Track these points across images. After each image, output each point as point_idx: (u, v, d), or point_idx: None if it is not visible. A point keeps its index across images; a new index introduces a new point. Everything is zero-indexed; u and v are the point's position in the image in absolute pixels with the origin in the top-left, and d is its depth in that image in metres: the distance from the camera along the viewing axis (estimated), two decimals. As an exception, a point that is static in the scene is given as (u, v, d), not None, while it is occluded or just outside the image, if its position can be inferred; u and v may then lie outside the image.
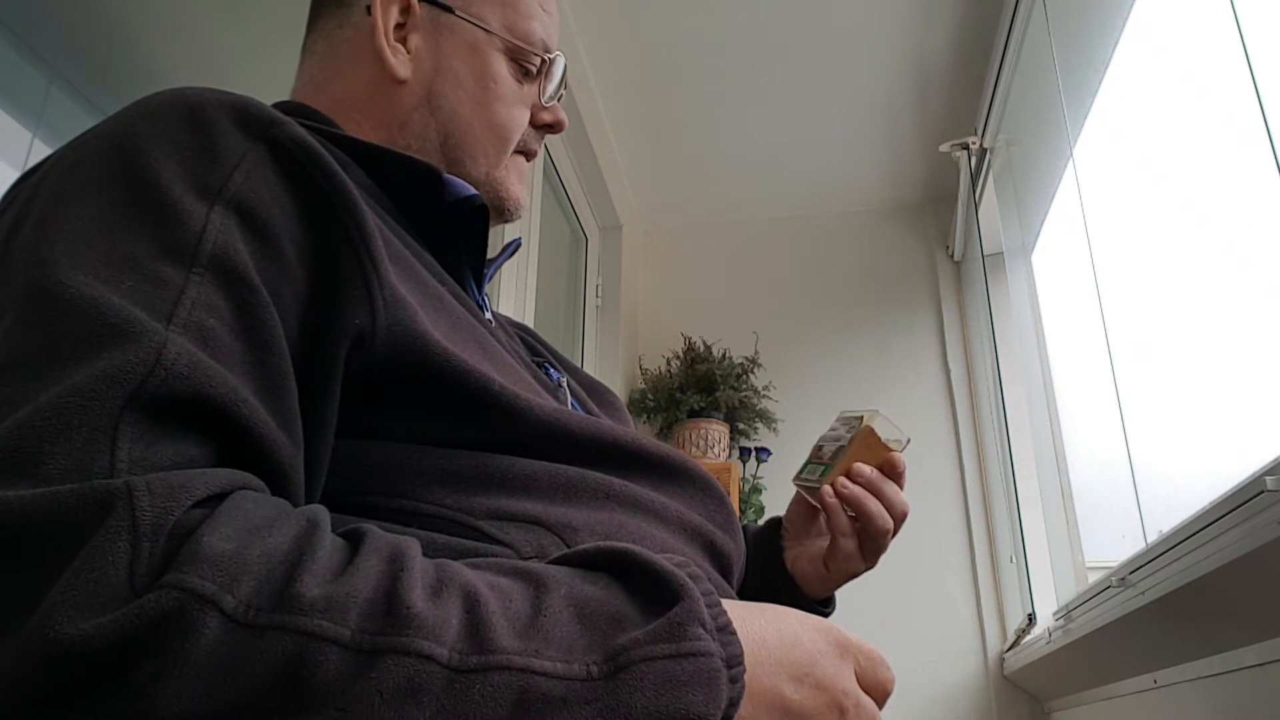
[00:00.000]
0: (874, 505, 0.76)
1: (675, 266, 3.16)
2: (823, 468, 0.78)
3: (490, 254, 0.76)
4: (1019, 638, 2.27)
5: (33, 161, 1.29)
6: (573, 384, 0.79)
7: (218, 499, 0.39)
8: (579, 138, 2.51)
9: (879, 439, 0.77)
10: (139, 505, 0.35)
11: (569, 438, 0.60)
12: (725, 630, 0.43)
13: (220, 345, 0.44)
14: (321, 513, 0.43)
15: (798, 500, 0.85)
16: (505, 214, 0.77)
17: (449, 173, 0.70)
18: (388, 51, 0.72)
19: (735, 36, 2.36)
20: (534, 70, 0.77)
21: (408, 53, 0.73)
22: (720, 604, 0.44)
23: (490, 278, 0.78)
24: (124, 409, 0.38)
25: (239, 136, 0.52)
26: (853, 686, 0.49)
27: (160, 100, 0.54)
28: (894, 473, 0.79)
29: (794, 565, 0.83)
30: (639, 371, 2.89)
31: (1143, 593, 1.31)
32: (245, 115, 0.53)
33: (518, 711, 0.37)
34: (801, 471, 0.81)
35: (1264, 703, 1.11)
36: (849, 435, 0.77)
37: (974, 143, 2.53)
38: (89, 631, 0.33)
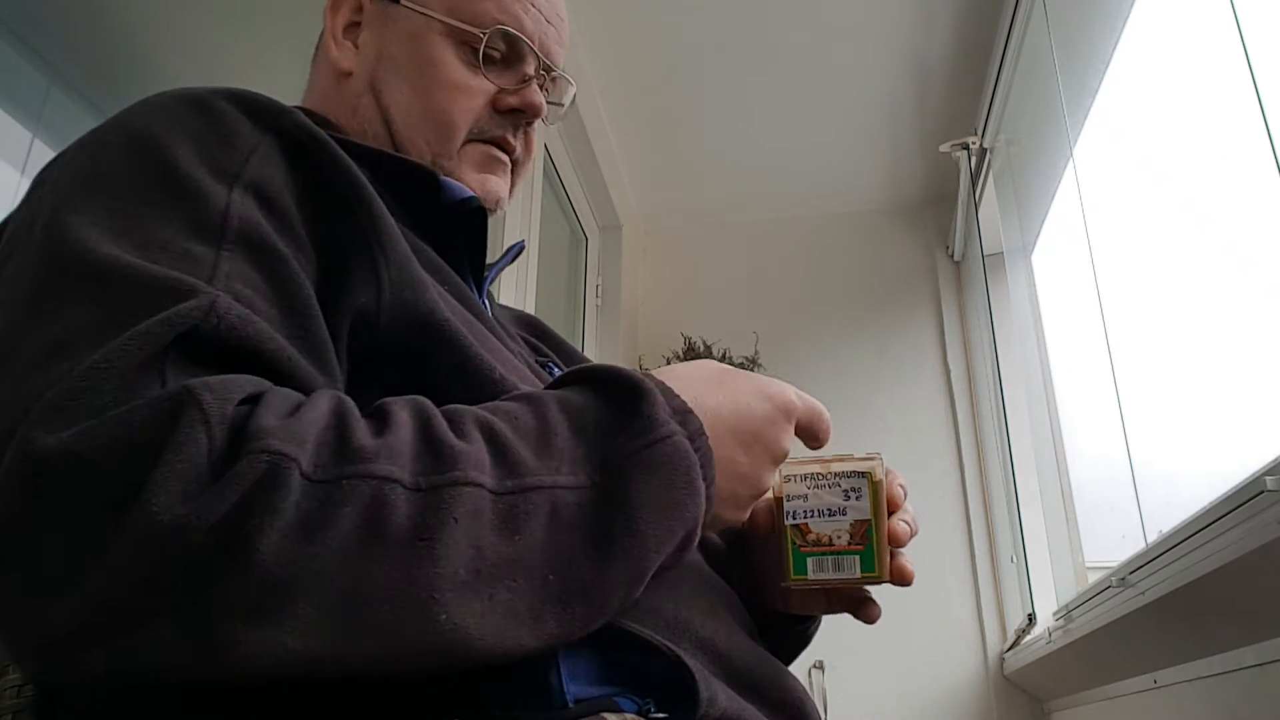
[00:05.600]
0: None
1: (675, 266, 3.15)
2: (856, 555, 0.60)
3: (492, 257, 0.76)
4: (1019, 638, 2.27)
5: (33, 161, 1.29)
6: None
7: (258, 397, 0.42)
8: (578, 137, 2.51)
9: (883, 482, 0.61)
10: (204, 401, 0.39)
11: None
12: (681, 411, 0.49)
13: (258, 311, 0.46)
14: (341, 393, 0.46)
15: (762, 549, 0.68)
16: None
17: None
18: (332, 46, 0.76)
19: (735, 36, 2.36)
20: (490, 53, 0.73)
21: (355, 47, 0.76)
22: (674, 391, 0.50)
23: (491, 280, 0.78)
24: (170, 347, 0.41)
25: (250, 125, 0.55)
26: (790, 446, 0.56)
27: (168, 96, 0.56)
28: (897, 507, 0.63)
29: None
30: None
31: (1143, 593, 1.31)
32: (254, 106, 0.56)
33: (552, 518, 0.44)
34: (800, 570, 0.60)
35: (1264, 703, 1.11)
36: (864, 503, 0.60)
37: (974, 143, 2.53)
38: (193, 510, 0.37)
